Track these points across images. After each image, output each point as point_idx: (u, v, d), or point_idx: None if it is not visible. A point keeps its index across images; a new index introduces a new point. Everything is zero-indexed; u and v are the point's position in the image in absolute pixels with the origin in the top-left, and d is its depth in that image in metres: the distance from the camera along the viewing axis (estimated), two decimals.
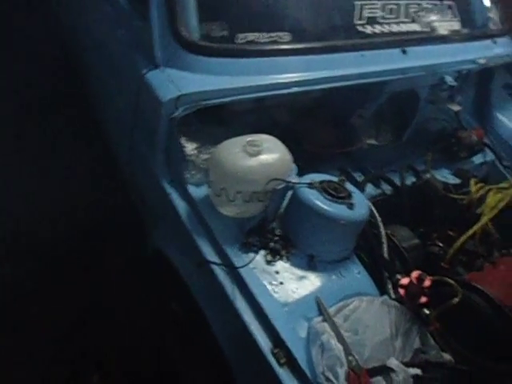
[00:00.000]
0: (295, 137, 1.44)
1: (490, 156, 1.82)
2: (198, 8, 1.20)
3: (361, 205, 1.05)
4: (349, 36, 1.37)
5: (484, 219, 1.24)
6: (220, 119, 1.28)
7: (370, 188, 1.44)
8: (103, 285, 1.53)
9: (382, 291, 1.07)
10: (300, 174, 1.20)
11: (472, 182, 1.39)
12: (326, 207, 1.00)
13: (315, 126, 1.47)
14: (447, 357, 0.94)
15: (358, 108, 1.48)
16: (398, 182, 1.50)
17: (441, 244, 1.32)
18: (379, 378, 0.89)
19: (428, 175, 1.54)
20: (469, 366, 0.92)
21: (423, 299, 0.97)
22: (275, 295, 0.94)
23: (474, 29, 1.78)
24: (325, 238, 1.03)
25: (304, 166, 1.37)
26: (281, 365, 0.82)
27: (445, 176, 1.62)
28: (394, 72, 1.38)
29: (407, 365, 0.93)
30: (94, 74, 1.83)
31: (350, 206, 1.02)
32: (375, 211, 1.22)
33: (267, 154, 1.03)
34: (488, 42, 1.78)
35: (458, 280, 1.00)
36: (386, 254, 1.14)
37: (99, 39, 1.67)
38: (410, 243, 1.25)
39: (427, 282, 0.95)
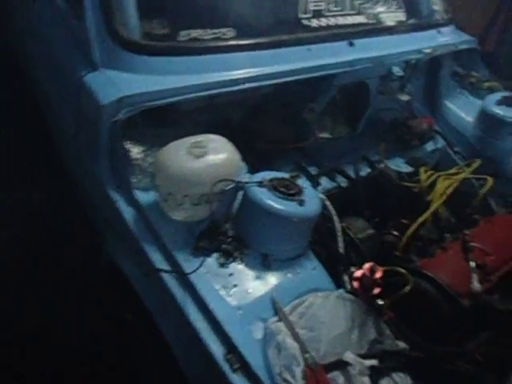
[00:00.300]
0: (248, 134, 1.43)
1: (441, 143, 1.88)
2: (135, 5, 1.15)
3: (312, 201, 1.05)
4: (294, 30, 1.35)
5: (433, 206, 1.27)
6: (168, 119, 1.24)
7: (325, 181, 1.45)
8: (60, 297, 1.47)
9: (339, 285, 1.08)
10: (254, 171, 1.18)
11: (422, 170, 1.43)
12: (276, 205, 0.98)
13: (267, 123, 1.46)
14: (402, 345, 0.96)
15: (309, 102, 1.48)
16: (353, 173, 1.52)
17: (395, 232, 1.34)
18: (336, 373, 0.89)
19: (382, 165, 1.56)
20: (421, 351, 0.93)
21: (376, 290, 0.98)
22: (228, 299, 0.92)
23: (419, 19, 1.82)
24: (277, 237, 1.02)
25: (258, 163, 1.37)
26: (234, 370, 0.80)
27: (398, 165, 1.65)
28: (342, 65, 1.39)
29: (364, 356, 0.94)
30: (39, 77, 1.73)
31: (301, 203, 1.01)
32: (329, 205, 1.23)
33: (214, 155, 1.00)
34: (433, 31, 1.83)
35: (410, 268, 1.02)
36: (341, 248, 1.15)
37: (41, 42, 1.58)
38: (365, 234, 1.26)
39: (379, 274, 0.96)
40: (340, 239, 1.16)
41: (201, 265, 0.92)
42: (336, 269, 1.10)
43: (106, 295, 1.26)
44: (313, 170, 1.45)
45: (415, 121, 1.74)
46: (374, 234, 1.27)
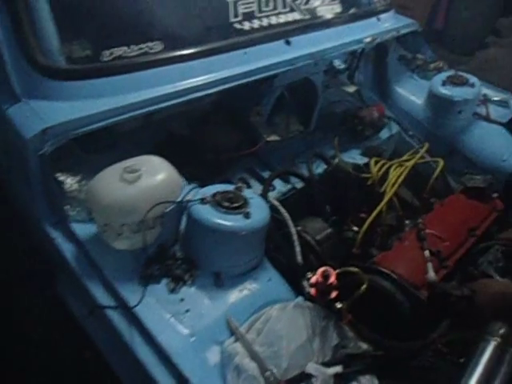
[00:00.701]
0: (196, 146, 1.39)
1: (395, 128, 1.88)
2: (53, 28, 1.09)
3: (259, 210, 1.02)
4: (227, 35, 1.32)
5: (386, 197, 1.25)
6: (105, 144, 1.19)
7: (279, 185, 1.42)
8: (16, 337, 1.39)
9: (299, 291, 1.05)
10: (206, 185, 1.15)
11: (372, 161, 1.41)
12: (219, 221, 0.95)
13: (214, 132, 1.42)
14: (364, 346, 0.94)
15: (254, 106, 1.45)
16: (307, 173, 1.50)
17: (355, 228, 1.33)
18: None
19: (336, 159, 1.54)
20: (384, 350, 0.92)
21: (333, 294, 0.96)
22: (179, 327, 0.88)
23: (357, 9, 1.81)
24: (227, 253, 0.99)
25: (210, 175, 1.33)
26: None
27: (353, 157, 1.64)
28: (281, 64, 1.36)
29: (328, 364, 0.91)
30: None
31: (247, 215, 0.98)
32: (283, 210, 1.20)
33: (148, 178, 0.95)
34: (373, 19, 1.82)
35: (365, 266, 1.00)
36: (298, 253, 1.12)
37: None
38: (323, 234, 1.24)
39: (332, 278, 0.94)
40: (296, 244, 1.13)
41: (143, 296, 0.87)
42: (294, 276, 1.07)
43: (64, 334, 1.20)
44: (266, 175, 1.42)
45: (365, 110, 1.73)
46: (333, 233, 1.25)
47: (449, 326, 0.95)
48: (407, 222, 1.32)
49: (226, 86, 1.23)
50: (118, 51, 1.13)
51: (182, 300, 0.93)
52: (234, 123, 1.46)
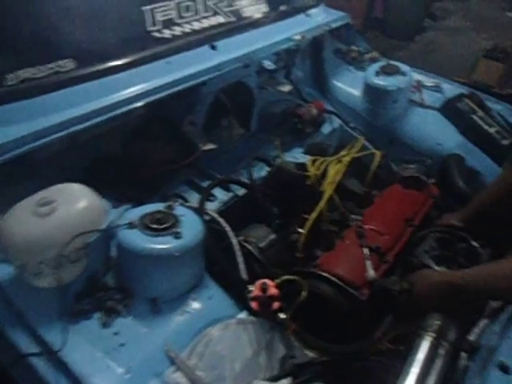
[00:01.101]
0: (128, 165, 1.32)
1: (337, 123, 1.89)
2: None
3: (191, 228, 0.97)
4: (146, 45, 1.26)
5: (325, 196, 1.24)
6: (21, 174, 1.10)
7: (220, 194, 1.38)
8: None
9: (245, 306, 1.02)
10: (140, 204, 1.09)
11: (309, 162, 1.40)
12: (148, 246, 0.90)
13: (147, 147, 1.36)
14: (311, 354, 0.92)
15: (186, 115, 1.40)
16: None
17: (301, 230, 1.31)
18: None
19: (279, 161, 1.52)
20: (330, 355, 0.90)
21: (275, 305, 0.93)
22: (113, 364, 0.82)
23: (284, 6, 1.79)
24: (161, 277, 0.94)
25: (145, 193, 1.27)
26: None
27: (296, 156, 1.63)
28: (208, 71, 1.32)
29: (276, 378, 0.89)
30: None
31: (177, 235, 0.93)
32: (222, 221, 1.16)
33: (65, 208, 0.89)
34: (301, 16, 1.82)
35: (304, 271, 0.99)
36: (241, 266, 1.08)
37: None
38: (266, 241, 1.21)
39: (271, 289, 0.91)
40: (238, 255, 1.10)
41: (66, 338, 0.80)
42: (237, 291, 1.04)
43: None
44: (206, 185, 1.38)
45: (304, 108, 1.72)
46: (276, 239, 1.23)
47: (392, 322, 0.95)
48: (353, 216, 1.32)
49: (150, 98, 1.18)
50: (25, 73, 1.04)
51: (116, 334, 0.88)
52: (168, 136, 1.41)
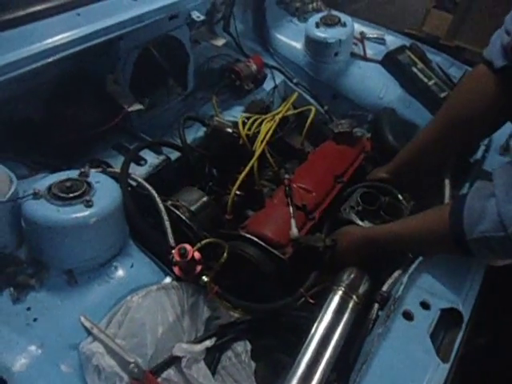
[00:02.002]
0: (47, 130, 1.23)
1: (280, 78, 1.82)
2: None
3: (105, 195, 0.92)
4: None
5: (255, 156, 1.21)
6: None
7: (151, 157, 1.32)
8: None
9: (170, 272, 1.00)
10: None
11: (240, 120, 1.34)
12: (53, 216, 0.84)
13: (68, 110, 1.26)
14: (235, 314, 0.93)
15: (108, 74, 1.30)
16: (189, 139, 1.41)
17: (238, 192, 1.29)
18: (170, 371, 0.84)
19: (215, 121, 1.46)
20: (254, 314, 0.91)
21: (198, 268, 0.92)
22: (23, 340, 0.79)
23: None
24: (74, 248, 0.89)
25: (67, 160, 1.20)
26: None
27: (234, 115, 1.57)
28: (126, 23, 1.21)
29: (200, 340, 0.89)
30: None
31: (88, 203, 0.88)
32: (147, 185, 1.11)
33: None
34: None
35: (226, 233, 0.97)
36: (168, 232, 1.05)
37: None
38: (197, 204, 1.18)
39: (190, 254, 0.89)
40: (165, 220, 1.06)
41: None
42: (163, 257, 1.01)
43: None
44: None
45: (241, 64, 1.63)
46: (209, 201, 1.20)
47: (316, 278, 0.96)
48: (286, 176, 1.30)
49: (57, 56, 1.07)
50: None
51: (28, 309, 0.84)
52: (90, 97, 1.30)
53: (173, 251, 0.96)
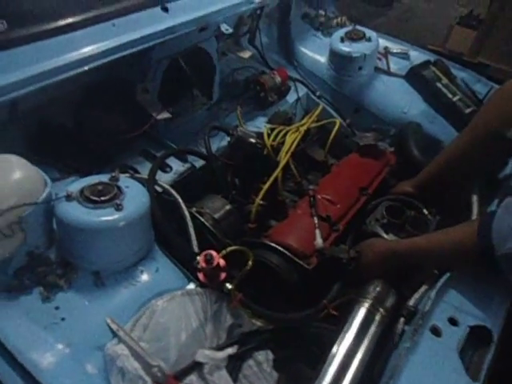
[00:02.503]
0: (77, 136, 1.27)
1: (303, 91, 1.84)
2: None
3: (135, 199, 0.94)
4: (90, 6, 1.17)
5: (279, 167, 1.21)
6: None
7: (176, 164, 1.34)
8: None
9: (194, 278, 1.01)
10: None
11: (265, 130, 1.36)
12: (85, 219, 0.87)
13: (98, 117, 1.30)
14: (258, 323, 0.93)
15: (139, 83, 1.34)
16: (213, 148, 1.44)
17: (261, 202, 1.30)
18: (192, 377, 0.84)
19: (239, 131, 1.48)
20: (275, 323, 0.91)
21: (222, 276, 0.93)
22: (51, 339, 0.81)
23: None
24: (103, 250, 0.91)
25: (97, 165, 1.23)
26: None
27: (257, 126, 1.59)
28: (158, 34, 1.25)
29: (222, 347, 0.89)
30: None
31: (118, 207, 0.90)
32: (173, 192, 1.14)
33: None
34: None
35: (251, 241, 0.98)
36: (192, 238, 1.06)
37: None
38: (221, 212, 1.19)
39: (216, 260, 0.90)
40: (190, 227, 1.08)
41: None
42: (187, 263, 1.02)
43: None
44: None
45: (265, 76, 1.66)
46: (232, 210, 1.21)
47: (340, 290, 0.96)
48: (311, 186, 1.30)
49: (93, 64, 1.11)
50: None
51: (57, 308, 0.86)
52: (120, 104, 1.34)
53: (198, 257, 0.97)
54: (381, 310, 0.80)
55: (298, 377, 0.87)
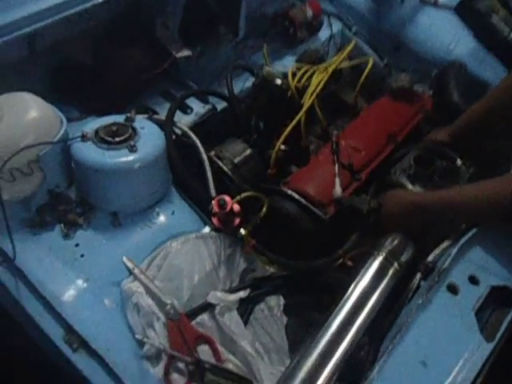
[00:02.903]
0: (95, 74, 1.24)
1: (337, 26, 1.69)
2: None
3: (149, 141, 0.92)
4: None
5: (303, 110, 1.13)
6: None
7: (197, 106, 1.29)
8: None
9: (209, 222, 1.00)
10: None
11: (290, 70, 1.26)
12: (99, 159, 0.86)
13: (117, 54, 1.25)
14: (270, 269, 0.92)
15: (158, 17, 1.26)
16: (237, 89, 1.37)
17: (283, 146, 1.24)
18: (203, 316, 0.87)
19: (264, 71, 1.39)
20: (289, 271, 0.90)
21: (236, 221, 0.92)
22: (71, 273, 0.84)
23: None
24: (119, 191, 0.91)
25: (116, 105, 1.21)
26: (74, 350, 0.76)
27: (286, 65, 1.49)
28: None
29: (234, 290, 0.91)
30: None
31: (132, 148, 0.89)
32: (192, 134, 1.10)
33: (12, 118, 0.84)
34: None
35: (267, 187, 0.95)
36: (210, 182, 1.04)
37: None
38: (241, 157, 1.16)
39: (229, 205, 0.88)
40: (207, 169, 1.05)
41: (14, 247, 0.81)
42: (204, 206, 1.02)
43: None
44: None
45: (295, 9, 1.52)
46: (252, 155, 1.17)
47: (358, 241, 0.92)
48: (335, 131, 1.22)
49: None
50: None
51: (76, 245, 0.89)
52: (140, 42, 1.28)
53: (212, 202, 0.96)
54: (395, 263, 0.77)
55: (309, 323, 0.87)
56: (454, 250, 0.74)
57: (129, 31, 1.26)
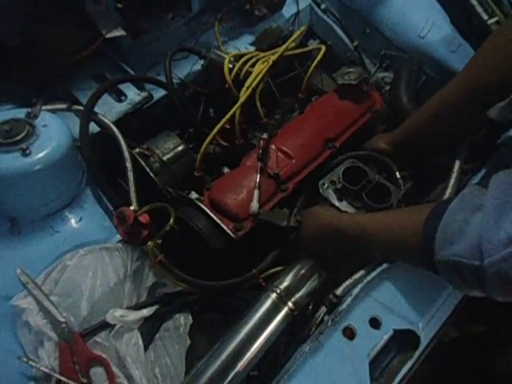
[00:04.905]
0: (27, 57, 1.12)
1: (305, 2, 1.53)
2: None
3: (48, 143, 0.83)
4: None
5: (237, 104, 1.01)
6: None
7: (132, 93, 1.18)
8: None
9: None
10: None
11: (227, 57, 1.12)
12: None
13: (45, 34, 1.12)
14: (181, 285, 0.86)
15: None
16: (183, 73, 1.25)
17: (222, 142, 1.14)
18: (100, 336, 0.81)
19: (213, 53, 1.26)
20: (200, 290, 0.83)
21: (144, 233, 0.84)
22: None
23: None
24: (12, 197, 0.83)
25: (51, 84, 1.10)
26: None
27: (239, 47, 1.36)
28: None
29: (141, 306, 0.85)
30: None
31: (24, 152, 0.80)
32: (114, 129, 1.00)
33: None
34: None
35: (184, 196, 0.86)
36: (130, 181, 0.95)
37: None
38: (171, 154, 1.06)
39: (133, 218, 0.80)
40: (128, 168, 0.96)
41: None
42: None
43: None
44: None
45: None
46: (184, 151, 1.07)
47: (274, 259, 0.85)
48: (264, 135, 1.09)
49: None
50: None
51: None
52: (71, 19, 1.15)
53: (124, 207, 0.88)
54: (289, 303, 0.69)
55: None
56: (358, 288, 0.66)
57: (59, 8, 1.13)
